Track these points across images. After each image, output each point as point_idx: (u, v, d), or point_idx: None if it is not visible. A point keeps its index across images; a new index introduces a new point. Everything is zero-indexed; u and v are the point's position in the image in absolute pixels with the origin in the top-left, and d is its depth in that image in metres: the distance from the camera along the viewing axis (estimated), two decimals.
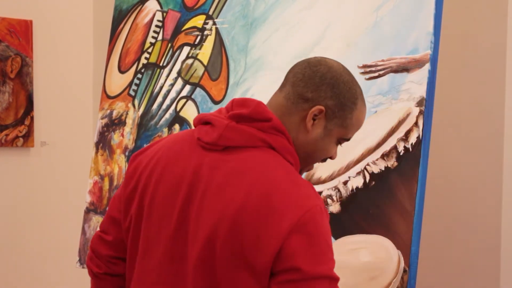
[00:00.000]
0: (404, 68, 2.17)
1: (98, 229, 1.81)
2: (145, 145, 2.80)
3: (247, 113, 1.56)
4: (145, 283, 1.61)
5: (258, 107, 1.57)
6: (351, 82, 1.61)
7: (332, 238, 2.18)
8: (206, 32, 2.72)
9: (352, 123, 1.62)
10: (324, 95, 1.58)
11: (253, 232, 1.46)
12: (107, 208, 2.87)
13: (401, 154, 2.12)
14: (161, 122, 2.78)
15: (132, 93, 2.90)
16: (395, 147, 2.13)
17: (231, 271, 1.48)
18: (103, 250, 1.75)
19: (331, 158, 1.67)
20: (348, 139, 1.65)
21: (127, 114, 2.90)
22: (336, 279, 1.49)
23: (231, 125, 1.56)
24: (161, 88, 2.81)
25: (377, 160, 2.16)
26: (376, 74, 2.23)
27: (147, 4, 2.96)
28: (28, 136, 3.82)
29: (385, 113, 2.19)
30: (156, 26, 2.89)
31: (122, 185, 1.72)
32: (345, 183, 2.20)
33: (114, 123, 2.94)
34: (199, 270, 1.51)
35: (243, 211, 1.47)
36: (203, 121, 1.61)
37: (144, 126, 2.83)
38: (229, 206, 1.49)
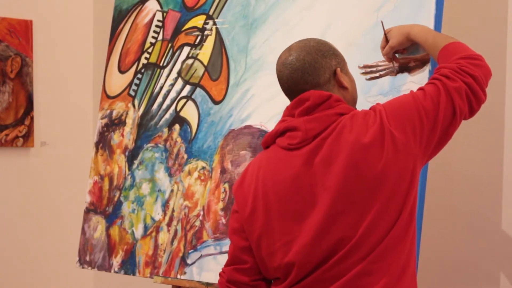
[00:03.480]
0: (404, 68, 2.17)
1: (223, 270, 1.98)
2: (145, 145, 2.79)
3: (312, 102, 1.83)
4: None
5: (315, 94, 1.84)
6: (317, 39, 1.93)
7: None
8: (206, 32, 2.72)
9: (342, 55, 1.93)
10: (327, 65, 1.87)
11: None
12: (112, 215, 2.87)
13: None
14: (161, 122, 2.78)
15: (132, 93, 2.90)
16: None
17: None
18: (243, 278, 1.92)
19: None
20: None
21: (127, 114, 2.90)
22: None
23: (306, 118, 1.83)
24: (161, 88, 2.81)
25: None
26: (376, 75, 2.23)
27: (147, 4, 2.96)
28: (28, 136, 3.82)
29: None
30: (156, 26, 2.89)
31: (235, 218, 1.94)
32: None
33: (114, 123, 2.94)
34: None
35: (362, 148, 1.76)
36: (279, 133, 1.88)
37: (144, 126, 2.83)
38: (350, 154, 1.76)
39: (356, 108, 1.90)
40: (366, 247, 1.74)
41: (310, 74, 1.85)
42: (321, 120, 1.82)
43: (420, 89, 1.86)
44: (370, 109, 1.86)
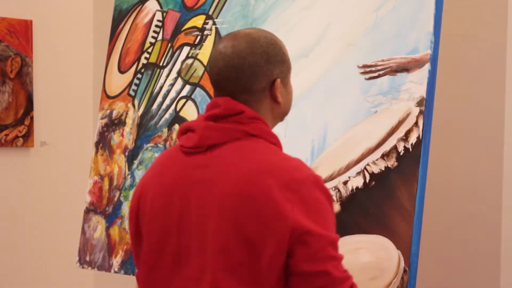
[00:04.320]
0: (404, 68, 2.17)
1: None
2: (145, 145, 2.80)
3: (220, 111, 1.61)
4: None
5: (229, 104, 1.61)
6: (269, 38, 1.66)
7: None
8: (206, 32, 2.72)
9: (289, 62, 1.70)
10: (269, 71, 1.64)
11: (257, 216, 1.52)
12: (112, 215, 2.87)
13: (401, 154, 2.12)
14: (161, 122, 2.78)
15: (132, 93, 2.90)
16: (395, 147, 2.13)
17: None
18: None
19: None
20: None
21: (127, 114, 2.90)
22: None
23: (209, 125, 1.61)
24: (161, 88, 2.81)
25: (377, 160, 2.15)
26: (376, 74, 2.23)
27: (147, 4, 2.96)
28: (28, 136, 3.82)
29: (385, 113, 2.18)
30: (156, 26, 2.89)
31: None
32: (345, 183, 2.20)
33: (114, 123, 2.94)
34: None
35: (240, 198, 1.53)
36: (184, 131, 1.67)
37: (144, 126, 2.83)
38: (226, 196, 1.54)
39: (271, 132, 1.65)
40: None
41: (246, 77, 1.62)
42: (224, 131, 1.61)
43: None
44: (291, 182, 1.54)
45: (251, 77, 1.62)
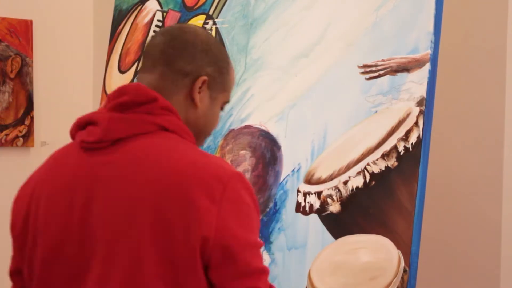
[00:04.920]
0: (404, 68, 2.17)
1: None
2: None
3: (129, 99, 1.40)
4: None
5: (138, 90, 1.42)
6: (217, 42, 1.53)
7: (332, 238, 2.18)
8: None
9: (230, 85, 1.54)
10: (201, 63, 1.46)
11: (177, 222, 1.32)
12: None
13: (401, 154, 2.12)
14: None
15: None
16: (395, 147, 2.13)
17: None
18: None
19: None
20: (228, 102, 1.56)
21: None
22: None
23: (114, 116, 1.39)
24: None
25: (377, 160, 2.15)
26: (376, 74, 2.23)
27: (147, 4, 2.96)
28: (28, 136, 3.82)
29: (385, 113, 2.18)
30: (156, 26, 2.89)
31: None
32: (345, 182, 2.20)
33: None
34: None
35: (156, 199, 1.32)
36: (82, 124, 1.46)
37: None
38: (139, 197, 1.33)
39: (187, 131, 1.45)
40: None
41: (176, 49, 1.45)
42: (132, 124, 1.39)
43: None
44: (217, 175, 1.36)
45: (181, 52, 1.45)
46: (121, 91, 1.43)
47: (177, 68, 1.45)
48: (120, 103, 1.40)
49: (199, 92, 1.47)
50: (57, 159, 1.50)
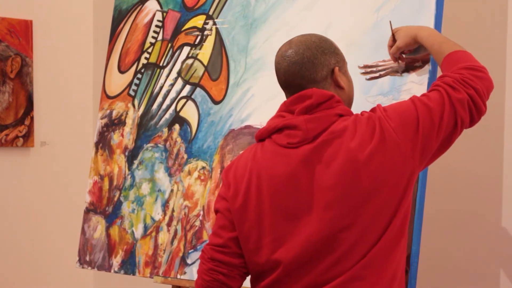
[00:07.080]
0: (408, 67, 2.17)
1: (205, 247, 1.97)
2: (145, 145, 2.79)
3: (314, 101, 1.83)
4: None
5: (318, 92, 1.84)
6: (319, 36, 1.92)
7: None
8: (206, 32, 2.72)
9: (343, 56, 1.93)
10: (328, 61, 1.88)
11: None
12: (112, 215, 2.86)
13: None
14: (161, 122, 2.78)
15: (132, 93, 2.90)
16: None
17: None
18: (226, 258, 1.92)
19: None
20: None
21: (127, 114, 2.90)
22: None
23: (307, 117, 1.82)
24: (161, 88, 2.81)
25: None
26: (377, 75, 2.23)
27: (147, 4, 2.96)
28: (28, 136, 3.82)
29: None
30: (156, 26, 2.89)
31: (223, 209, 1.93)
32: None
33: (114, 123, 2.94)
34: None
35: (361, 157, 1.77)
36: (276, 129, 1.86)
37: (144, 126, 2.83)
38: (349, 161, 1.78)
39: (351, 110, 1.90)
40: (358, 251, 1.75)
41: (308, 69, 1.85)
42: (322, 120, 1.82)
43: (424, 95, 1.86)
44: (371, 111, 1.85)
45: (312, 68, 1.86)
46: (303, 96, 1.84)
47: (313, 77, 1.87)
48: (307, 106, 1.83)
49: (340, 79, 1.88)
50: (265, 154, 1.88)
